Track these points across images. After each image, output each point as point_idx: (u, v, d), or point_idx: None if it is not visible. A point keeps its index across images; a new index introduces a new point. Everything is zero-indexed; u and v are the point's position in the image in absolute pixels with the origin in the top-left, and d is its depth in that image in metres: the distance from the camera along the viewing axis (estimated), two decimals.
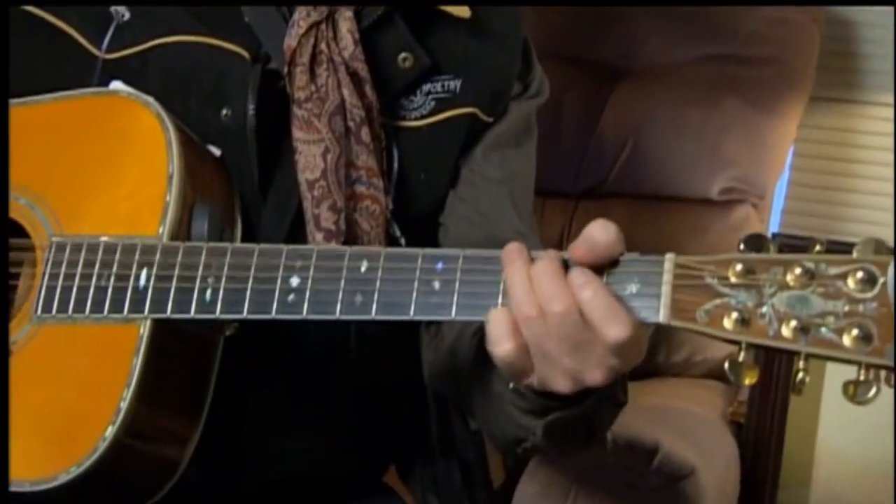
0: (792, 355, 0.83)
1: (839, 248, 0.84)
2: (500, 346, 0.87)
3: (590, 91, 1.73)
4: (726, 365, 0.86)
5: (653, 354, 1.68)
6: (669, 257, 0.86)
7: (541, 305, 0.85)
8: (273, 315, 0.94)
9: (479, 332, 1.02)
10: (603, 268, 0.87)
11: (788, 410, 1.64)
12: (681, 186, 1.74)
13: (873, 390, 0.83)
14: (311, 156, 1.08)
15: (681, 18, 1.73)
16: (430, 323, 1.17)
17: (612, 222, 0.87)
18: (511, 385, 0.95)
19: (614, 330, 0.84)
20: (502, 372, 0.91)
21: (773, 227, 1.85)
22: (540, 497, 1.28)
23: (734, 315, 0.83)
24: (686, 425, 1.46)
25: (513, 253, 0.88)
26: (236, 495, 1.13)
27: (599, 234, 0.86)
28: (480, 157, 1.20)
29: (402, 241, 1.14)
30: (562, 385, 0.88)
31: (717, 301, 0.84)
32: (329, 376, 1.14)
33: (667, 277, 0.85)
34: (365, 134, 1.10)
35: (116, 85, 1.06)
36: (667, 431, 1.34)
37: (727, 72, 1.73)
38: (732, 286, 0.84)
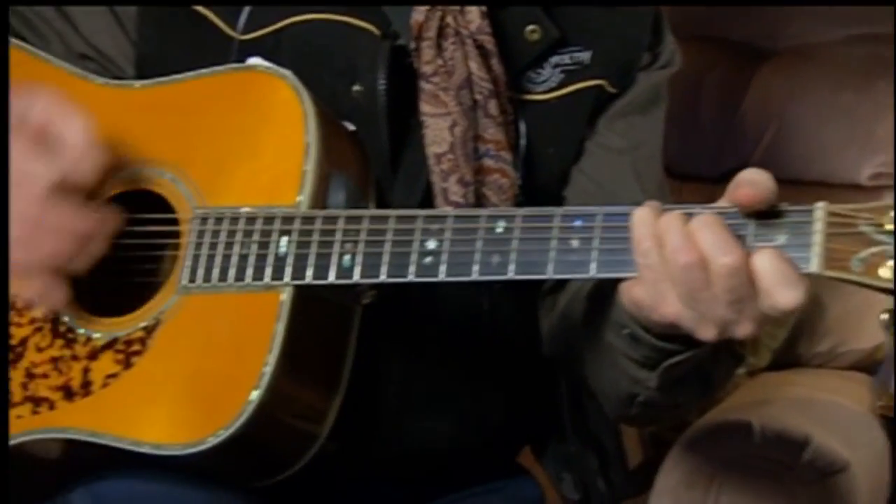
0: None
1: None
2: (632, 290, 0.88)
3: (732, 72, 1.72)
4: (883, 316, 0.85)
5: (794, 345, 1.66)
6: (821, 205, 0.85)
7: (704, 255, 0.84)
8: (411, 278, 0.95)
9: (591, 294, 1.06)
10: (751, 217, 0.86)
11: None
12: (827, 171, 1.71)
13: None
14: (438, 130, 1.09)
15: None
16: (548, 293, 1.18)
17: (764, 173, 0.85)
18: (626, 330, 0.96)
19: (786, 295, 0.83)
20: (634, 308, 0.91)
21: None
22: (682, 487, 1.26)
23: (891, 263, 0.81)
24: (836, 418, 1.43)
25: (658, 205, 0.87)
26: (372, 468, 1.15)
27: (757, 176, 0.85)
28: (602, 127, 1.20)
29: None
30: (708, 333, 0.87)
31: (873, 249, 0.82)
32: (463, 351, 1.15)
33: (818, 226, 0.84)
34: (493, 107, 1.11)
35: (254, 60, 1.09)
36: (816, 424, 1.32)
37: (881, 52, 1.69)
38: (889, 233, 0.81)
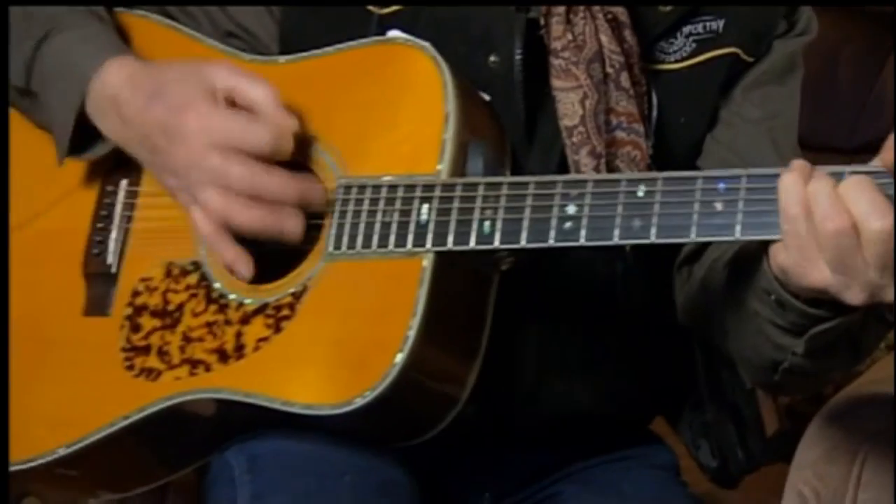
0: None
1: None
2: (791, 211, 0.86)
3: (871, 43, 1.69)
4: None
5: None
6: None
7: (856, 220, 0.83)
8: (551, 242, 0.96)
9: (732, 262, 1.05)
10: None
11: None
12: None
13: None
14: (569, 103, 1.09)
15: None
16: (683, 263, 1.18)
17: None
18: (772, 296, 0.94)
19: None
20: (781, 274, 0.90)
21: None
22: (823, 462, 1.25)
23: None
24: None
25: (806, 168, 0.87)
26: (509, 435, 1.16)
27: None
28: (739, 97, 1.19)
29: None
30: (856, 298, 0.87)
31: None
32: (598, 318, 1.16)
33: None
34: (625, 79, 1.11)
35: (394, 33, 1.11)
36: None
37: None
38: None
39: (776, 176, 0.89)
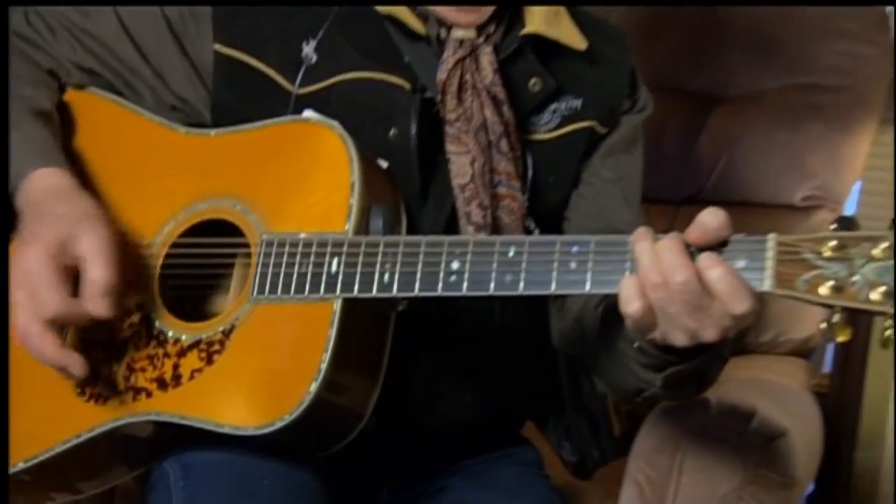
0: (880, 316, 0.81)
1: None
2: (631, 304, 0.86)
3: (690, 115, 1.70)
4: (822, 325, 0.84)
5: (743, 335, 1.64)
6: (772, 236, 0.84)
7: (665, 274, 0.84)
8: (439, 292, 0.95)
9: (602, 302, 1.04)
10: (714, 248, 0.85)
11: (865, 383, 1.57)
12: (768, 195, 1.69)
13: None
14: (461, 164, 1.09)
15: (767, 52, 1.68)
16: (556, 297, 1.17)
17: (721, 209, 0.86)
18: (636, 344, 0.94)
19: (739, 304, 0.83)
20: (630, 328, 0.91)
21: None
22: (654, 452, 1.25)
23: (829, 283, 0.81)
24: (777, 394, 1.42)
25: (642, 233, 0.87)
26: (404, 441, 1.14)
27: (711, 219, 0.85)
28: (598, 162, 1.19)
29: (536, 231, 1.14)
30: (680, 340, 0.87)
31: (814, 272, 0.82)
32: (480, 343, 1.14)
33: (770, 253, 0.84)
34: (504, 145, 1.10)
35: (308, 113, 1.08)
36: (761, 399, 1.30)
37: (809, 99, 1.66)
38: (827, 259, 0.82)
39: (619, 242, 0.89)
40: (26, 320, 0.97)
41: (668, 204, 1.68)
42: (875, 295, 0.79)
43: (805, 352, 1.64)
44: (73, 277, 0.99)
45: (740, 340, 1.37)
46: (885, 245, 0.80)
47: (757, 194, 1.68)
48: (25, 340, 0.98)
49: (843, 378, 1.58)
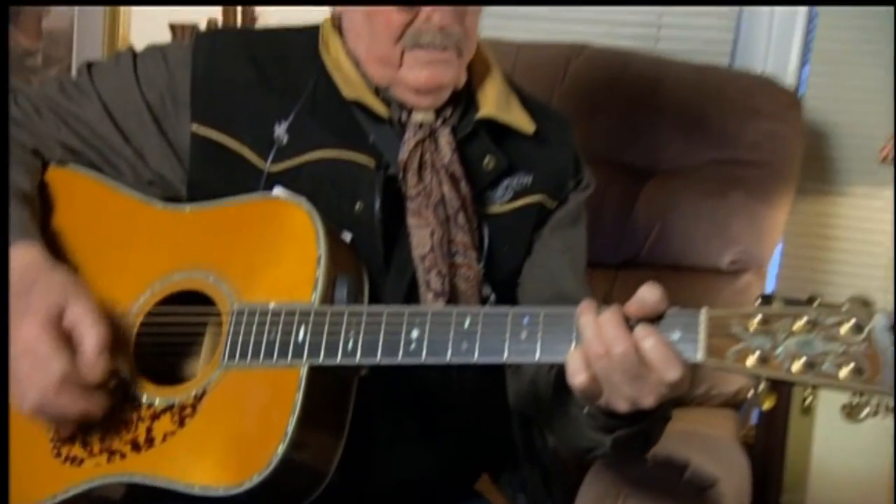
0: (799, 386, 0.84)
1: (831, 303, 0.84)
2: (577, 377, 0.87)
3: (627, 186, 1.70)
4: (750, 394, 0.86)
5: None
6: (704, 311, 0.86)
7: (606, 346, 0.85)
8: (399, 360, 0.95)
9: (555, 367, 1.03)
10: (652, 320, 0.87)
11: (788, 433, 1.60)
12: (698, 259, 1.69)
13: (866, 410, 0.82)
14: (421, 236, 1.09)
15: (695, 130, 1.70)
16: None
17: (658, 285, 0.87)
18: (585, 409, 0.95)
19: (672, 372, 0.85)
20: (578, 396, 0.91)
21: (769, 290, 1.81)
22: (597, 499, 1.24)
23: (756, 355, 0.83)
24: (709, 445, 1.42)
25: (586, 306, 0.88)
26: (366, 496, 1.12)
27: (648, 294, 0.86)
28: (547, 234, 1.20)
29: (492, 297, 1.14)
30: (622, 406, 0.88)
31: (742, 345, 0.84)
32: (437, 402, 1.13)
33: (702, 327, 0.85)
34: (461, 219, 1.11)
35: (278, 190, 1.08)
36: (694, 451, 1.31)
37: (732, 172, 1.68)
38: (753, 333, 0.83)
39: (566, 315, 0.90)
40: (38, 389, 0.97)
41: (608, 267, 1.69)
42: (796, 366, 0.81)
43: (735, 404, 1.65)
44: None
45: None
46: (803, 320, 0.82)
47: (687, 259, 1.68)
48: (43, 408, 0.98)
49: (767, 429, 1.60)
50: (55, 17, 2.10)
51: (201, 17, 1.89)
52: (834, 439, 1.59)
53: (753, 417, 1.63)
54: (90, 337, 0.98)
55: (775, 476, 1.58)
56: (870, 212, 1.83)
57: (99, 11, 2.08)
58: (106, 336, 0.99)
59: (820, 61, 1.85)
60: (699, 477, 1.23)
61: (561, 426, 1.06)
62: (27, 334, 0.97)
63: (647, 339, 0.84)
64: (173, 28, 1.88)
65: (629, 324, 0.86)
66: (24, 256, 1.03)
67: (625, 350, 0.84)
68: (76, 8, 2.08)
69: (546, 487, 1.23)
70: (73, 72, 1.22)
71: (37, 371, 0.97)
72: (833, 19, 1.83)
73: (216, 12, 1.90)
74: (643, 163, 1.72)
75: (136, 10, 2.09)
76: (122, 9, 2.09)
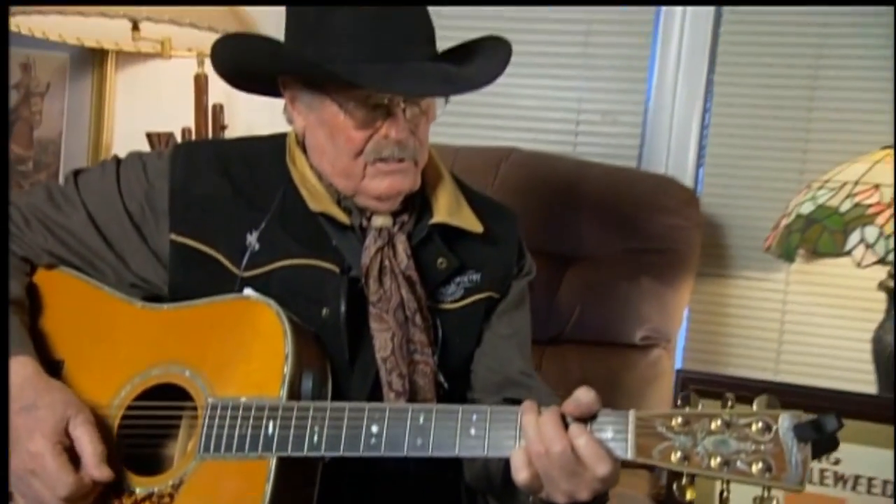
0: (719, 480, 0.84)
1: (741, 388, 0.93)
2: (520, 474, 0.87)
3: (551, 272, 1.70)
4: (675, 486, 0.86)
5: None
6: (632, 412, 0.87)
7: (546, 444, 0.85)
8: (360, 453, 0.94)
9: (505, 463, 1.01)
10: (587, 419, 0.87)
11: (696, 491, 1.60)
12: (614, 335, 1.70)
13: (774, 502, 0.83)
14: (383, 339, 1.07)
15: (609, 223, 1.72)
16: None
17: (592, 389, 0.88)
18: (531, 499, 0.93)
19: (602, 468, 0.85)
20: (521, 490, 0.90)
21: (678, 363, 1.83)
22: None
23: (678, 453, 0.84)
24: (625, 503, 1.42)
25: (528, 407, 0.88)
26: None
27: (584, 395, 0.87)
28: (495, 321, 1.19)
29: (446, 385, 1.12)
30: (561, 499, 0.88)
31: (666, 443, 0.85)
32: (396, 486, 1.11)
33: (631, 427, 0.86)
34: (418, 319, 1.09)
35: (248, 291, 1.06)
36: None
37: (641, 259, 1.70)
38: (675, 433, 0.84)
39: (510, 412, 0.90)
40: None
41: (537, 343, 1.67)
42: (714, 463, 0.83)
43: (648, 465, 1.67)
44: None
45: None
46: (719, 422, 0.83)
47: (605, 335, 1.69)
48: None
49: (674, 489, 1.61)
50: (46, 127, 2.09)
51: (177, 126, 1.87)
52: (733, 497, 1.60)
53: (663, 478, 1.63)
54: (92, 449, 0.98)
55: None
56: (761, 292, 1.87)
57: (85, 124, 2.08)
58: (104, 449, 0.98)
59: (713, 164, 1.90)
60: None
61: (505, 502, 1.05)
62: (37, 449, 0.96)
63: (580, 437, 0.85)
64: (150, 136, 1.86)
65: (565, 422, 0.86)
66: (20, 372, 1.00)
67: (562, 449, 0.85)
68: (64, 120, 2.07)
69: None
70: (61, 177, 1.19)
71: (47, 489, 0.96)
72: (724, 128, 1.88)
73: (189, 120, 1.89)
74: (565, 251, 1.74)
75: (118, 121, 2.08)
76: (106, 120, 2.09)
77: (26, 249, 1.11)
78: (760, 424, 0.82)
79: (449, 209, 1.14)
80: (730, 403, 0.85)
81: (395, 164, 1.07)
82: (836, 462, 1.54)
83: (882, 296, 1.60)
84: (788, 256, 1.58)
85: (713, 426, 0.83)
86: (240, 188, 1.11)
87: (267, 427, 0.96)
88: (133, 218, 1.11)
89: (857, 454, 1.50)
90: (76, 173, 1.15)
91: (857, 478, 1.53)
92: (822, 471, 1.56)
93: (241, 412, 0.98)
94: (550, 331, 1.71)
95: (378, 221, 1.10)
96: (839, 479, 1.54)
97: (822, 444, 0.81)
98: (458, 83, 1.07)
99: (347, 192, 1.10)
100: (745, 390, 1.53)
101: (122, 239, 1.11)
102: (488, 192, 1.73)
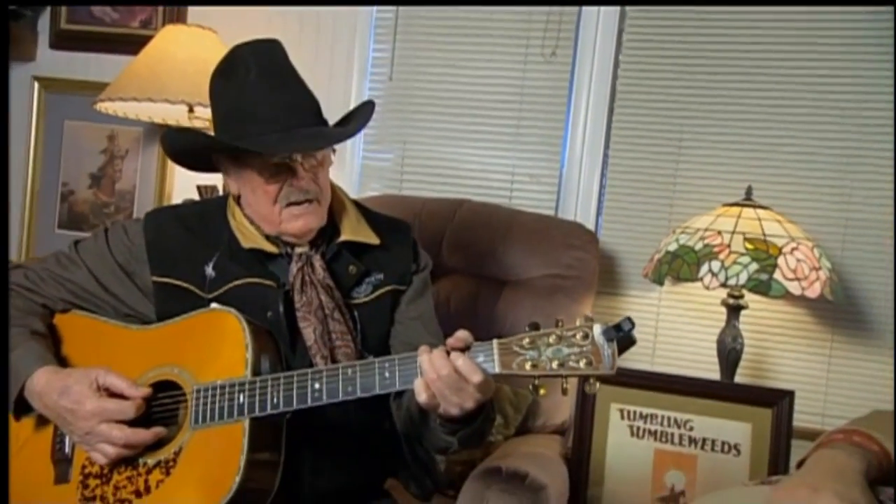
0: (560, 377, 0.89)
1: (626, 376, 1.02)
2: (420, 396, 0.93)
3: (491, 291, 1.65)
4: (530, 387, 0.90)
5: (525, 423, 1.60)
6: (495, 340, 0.92)
7: (436, 371, 0.91)
8: (309, 404, 0.97)
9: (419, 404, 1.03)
10: (464, 350, 0.92)
11: (591, 450, 1.56)
12: None
13: (597, 387, 0.88)
14: (308, 333, 1.08)
15: (533, 255, 1.71)
16: (395, 396, 1.13)
17: (466, 330, 0.93)
18: (437, 421, 0.99)
19: (476, 377, 0.91)
20: (425, 409, 0.95)
21: None
22: (470, 500, 1.19)
23: (529, 363, 0.90)
24: (541, 461, 1.42)
25: (423, 349, 0.94)
26: (303, 500, 1.08)
27: (462, 333, 0.93)
28: (403, 307, 1.19)
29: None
30: (454, 411, 0.94)
31: (520, 357, 0.90)
32: (343, 431, 1.10)
33: (495, 349, 0.92)
34: (337, 314, 1.10)
35: (214, 305, 1.08)
36: (532, 465, 1.31)
37: (556, 282, 1.68)
38: (526, 349, 0.90)
39: (412, 356, 0.93)
40: (82, 421, 0.98)
41: (481, 341, 1.64)
42: (554, 365, 0.88)
43: (561, 431, 1.67)
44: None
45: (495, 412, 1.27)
46: (553, 336, 0.89)
47: None
48: (90, 435, 0.99)
49: (578, 448, 1.56)
50: (124, 181, 2.17)
51: (219, 180, 1.86)
52: (618, 453, 1.55)
53: (570, 440, 1.58)
54: (124, 383, 1.01)
55: (583, 477, 1.55)
56: (641, 306, 1.89)
57: (152, 179, 2.14)
58: (131, 381, 1.01)
59: (608, 213, 1.93)
60: (535, 482, 1.23)
61: (426, 435, 1.08)
62: (92, 406, 0.99)
63: (459, 359, 0.91)
64: (199, 188, 1.86)
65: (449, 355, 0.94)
66: (45, 373, 1.04)
67: (448, 371, 0.91)
68: (138, 176, 2.17)
69: (427, 475, 1.21)
70: (134, 215, 1.22)
71: (114, 425, 0.99)
72: (616, 188, 1.90)
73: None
74: (501, 275, 1.75)
75: (177, 177, 2.14)
76: (167, 176, 2.18)
77: (45, 300, 1.16)
78: (581, 334, 0.89)
79: (352, 229, 1.17)
80: (560, 324, 0.91)
81: (304, 207, 1.09)
82: (691, 428, 1.50)
83: (723, 310, 1.64)
84: (660, 281, 1.63)
85: (550, 340, 0.89)
86: (195, 235, 1.14)
87: (239, 398, 0.99)
88: (123, 267, 1.15)
89: (706, 423, 1.55)
90: (76, 243, 1.19)
91: (704, 440, 1.51)
92: (679, 435, 1.52)
93: (218, 391, 1.01)
94: (491, 332, 1.63)
95: (298, 249, 1.13)
96: (692, 440, 1.53)
97: (623, 340, 0.87)
98: (330, 138, 1.10)
99: (272, 232, 1.13)
100: (628, 377, 1.51)
101: (116, 284, 1.15)
102: (447, 231, 1.74)
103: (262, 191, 1.08)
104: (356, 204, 1.22)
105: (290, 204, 1.08)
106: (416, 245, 1.25)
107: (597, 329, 0.87)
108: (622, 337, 0.86)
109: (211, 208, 1.18)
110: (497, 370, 0.90)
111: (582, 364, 0.86)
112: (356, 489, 1.15)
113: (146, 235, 1.13)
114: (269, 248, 1.12)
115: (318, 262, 1.11)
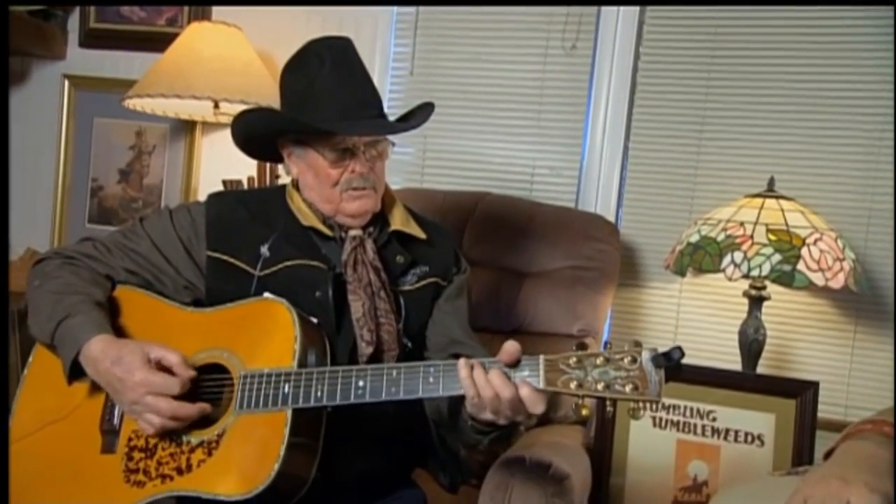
0: (605, 399, 0.88)
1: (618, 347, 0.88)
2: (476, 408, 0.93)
3: (513, 281, 1.68)
4: (573, 405, 0.92)
5: (547, 413, 1.61)
6: (542, 356, 0.91)
7: (496, 391, 0.91)
8: (351, 401, 0.97)
9: (453, 403, 1.06)
10: (513, 364, 0.92)
11: (614, 441, 1.58)
12: (557, 328, 1.66)
13: (642, 412, 0.87)
14: (356, 307, 1.11)
15: (555, 247, 1.69)
16: None
17: (517, 342, 0.92)
18: (470, 422, 0.99)
19: (539, 408, 0.91)
20: (472, 411, 0.95)
21: (602, 348, 1.79)
22: (494, 489, 1.20)
23: (574, 382, 0.88)
24: (564, 451, 1.39)
25: (462, 363, 0.93)
26: (336, 485, 1.09)
27: (511, 347, 0.92)
28: (442, 303, 1.22)
29: (409, 344, 1.15)
30: (502, 422, 0.94)
31: (566, 376, 0.89)
32: (380, 423, 1.11)
33: (541, 367, 0.90)
34: (383, 294, 1.13)
35: (267, 294, 1.09)
36: (556, 455, 1.28)
37: (577, 274, 1.68)
38: (572, 368, 0.88)
39: (455, 365, 0.93)
40: (130, 390, 1.00)
41: (503, 332, 1.67)
42: (599, 387, 0.87)
43: (582, 422, 1.65)
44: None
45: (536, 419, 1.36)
46: (601, 358, 0.87)
47: (552, 328, 1.68)
48: (136, 404, 1.00)
49: (601, 438, 1.57)
50: (152, 176, 2.17)
51: (244, 174, 1.89)
52: (641, 443, 1.57)
53: (592, 431, 1.60)
54: (175, 357, 1.02)
55: (606, 467, 1.55)
56: (662, 297, 1.87)
57: (179, 174, 2.13)
58: (182, 356, 1.02)
59: (629, 205, 1.90)
60: (558, 472, 1.23)
61: (457, 431, 1.09)
62: (141, 377, 1.00)
63: (524, 387, 0.90)
64: (224, 182, 1.88)
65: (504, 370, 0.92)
66: (101, 341, 1.05)
67: (511, 395, 0.90)
68: (165, 171, 2.15)
69: (456, 466, 1.23)
70: (162, 208, 1.22)
71: (160, 398, 0.99)
72: (636, 180, 1.87)
73: (253, 171, 1.90)
74: (523, 267, 1.74)
75: (203, 171, 2.13)
76: (194, 171, 2.15)
77: (108, 269, 1.17)
78: (629, 358, 0.87)
79: (402, 221, 1.21)
80: (609, 346, 0.89)
81: (361, 191, 1.13)
82: (714, 419, 1.52)
83: (744, 301, 1.60)
84: (681, 272, 1.59)
85: (598, 362, 0.88)
86: (255, 216, 1.17)
87: (284, 387, 0.99)
88: (183, 243, 1.18)
89: (728, 413, 1.53)
90: (141, 219, 1.21)
91: (727, 430, 1.51)
92: (703, 426, 1.54)
93: (265, 379, 1.01)
94: (512, 324, 1.71)
95: (353, 233, 1.16)
96: (715, 431, 1.53)
97: (671, 369, 0.86)
98: (394, 128, 1.15)
99: (330, 213, 1.16)
100: None
101: (176, 257, 1.17)
102: (468, 224, 1.76)
103: (325, 174, 1.13)
104: (403, 205, 1.25)
105: (349, 188, 1.13)
106: (458, 251, 1.28)
107: (645, 355, 0.85)
108: (671, 366, 0.84)
109: (271, 194, 1.22)
110: (541, 386, 0.89)
111: (628, 389, 0.84)
112: (386, 476, 1.15)
113: (207, 214, 1.17)
114: (325, 230, 1.15)
115: (369, 245, 1.15)
